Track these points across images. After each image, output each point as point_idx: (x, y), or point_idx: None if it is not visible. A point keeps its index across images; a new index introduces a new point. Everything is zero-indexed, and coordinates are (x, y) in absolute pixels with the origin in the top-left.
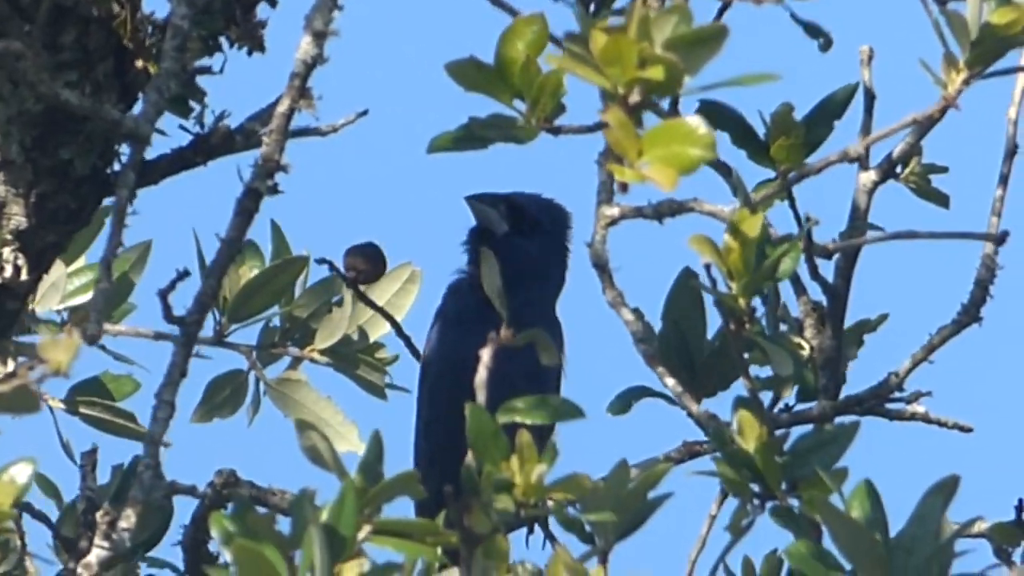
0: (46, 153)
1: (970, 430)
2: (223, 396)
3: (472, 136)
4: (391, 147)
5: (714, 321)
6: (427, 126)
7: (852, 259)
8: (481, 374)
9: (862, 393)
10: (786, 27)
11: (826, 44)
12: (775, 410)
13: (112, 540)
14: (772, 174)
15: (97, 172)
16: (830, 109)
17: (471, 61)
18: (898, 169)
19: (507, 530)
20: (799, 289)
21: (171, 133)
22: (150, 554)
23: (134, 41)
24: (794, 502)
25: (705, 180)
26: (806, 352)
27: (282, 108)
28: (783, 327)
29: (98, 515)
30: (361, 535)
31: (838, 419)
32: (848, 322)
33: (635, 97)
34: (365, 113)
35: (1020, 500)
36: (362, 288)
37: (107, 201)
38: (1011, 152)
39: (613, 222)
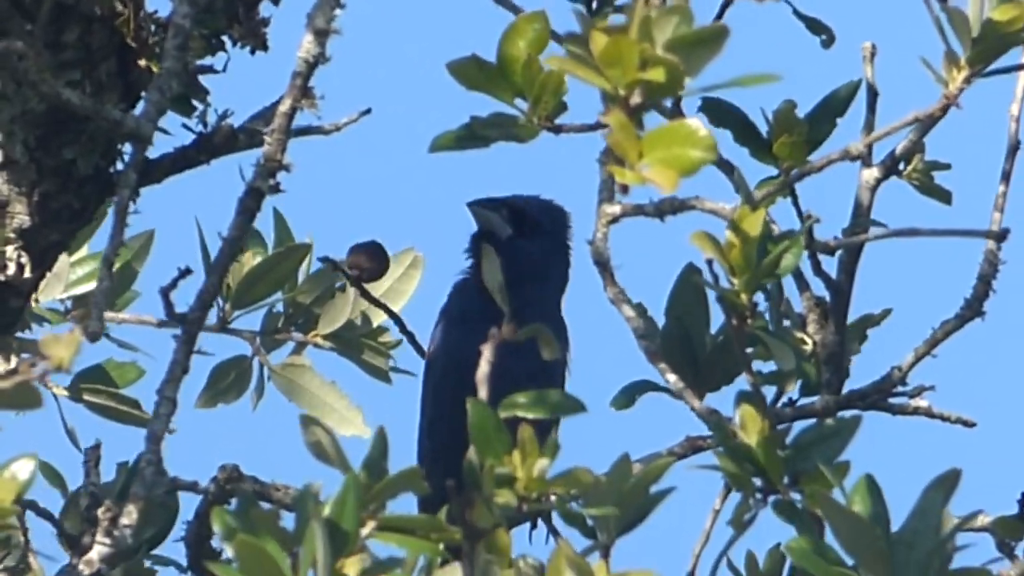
0: (49, 153)
1: (973, 424)
2: (227, 382)
3: (474, 135)
4: (393, 146)
5: (718, 317)
6: (429, 125)
7: (855, 255)
8: (483, 369)
9: (865, 388)
10: (788, 24)
11: (828, 41)
12: (779, 405)
13: (114, 536)
14: (775, 171)
15: (100, 172)
16: (833, 106)
17: (472, 60)
18: (901, 166)
19: (509, 525)
20: (802, 285)
21: (174, 132)
22: (156, 551)
23: (137, 40)
24: (796, 496)
25: (707, 178)
26: (809, 347)
27: (284, 107)
28: (786, 323)
29: (100, 511)
30: (364, 531)
31: (841, 414)
32: (851, 317)
33: (636, 99)
34: (368, 112)
35: (1023, 494)
36: (366, 285)
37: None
38: (1013, 149)
39: (614, 220)
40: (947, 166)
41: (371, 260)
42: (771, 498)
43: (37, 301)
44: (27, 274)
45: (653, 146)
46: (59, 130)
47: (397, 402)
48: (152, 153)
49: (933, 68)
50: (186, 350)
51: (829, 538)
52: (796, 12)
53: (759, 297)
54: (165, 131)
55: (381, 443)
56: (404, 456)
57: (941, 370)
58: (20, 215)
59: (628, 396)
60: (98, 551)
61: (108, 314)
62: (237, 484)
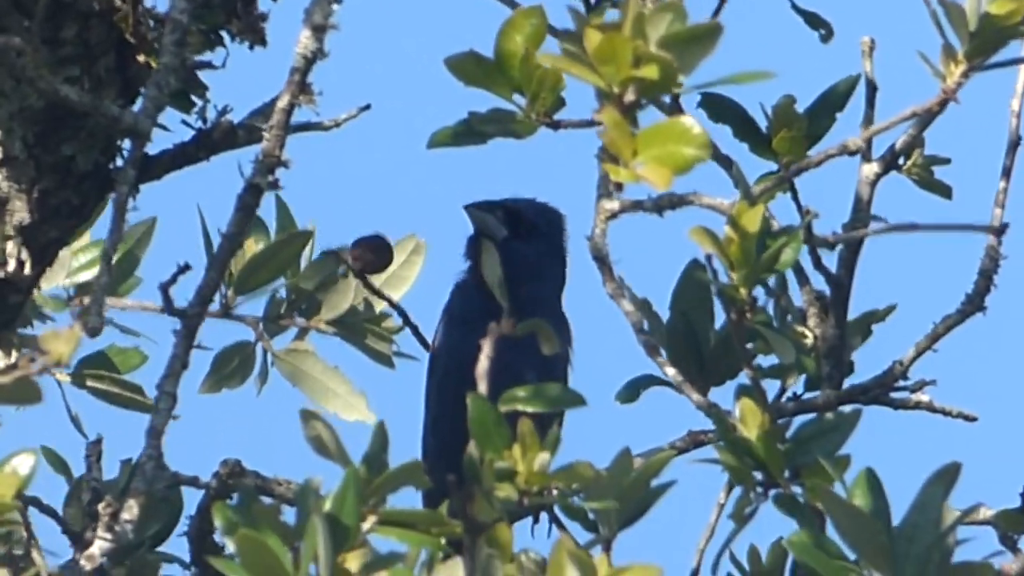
0: (48, 149)
1: (974, 419)
2: (231, 367)
3: (471, 131)
4: (391, 142)
5: (722, 312)
6: (427, 121)
7: (855, 250)
8: (482, 364)
9: (867, 382)
10: (787, 18)
11: (827, 35)
12: (781, 399)
13: (115, 532)
14: (774, 166)
15: (99, 168)
16: (832, 101)
17: (470, 55)
18: (901, 161)
19: (511, 519)
20: (802, 279)
21: (173, 128)
22: (160, 546)
23: (136, 35)
24: (797, 490)
25: (706, 173)
26: (810, 341)
27: (282, 103)
28: (787, 317)
29: (100, 507)
30: (365, 525)
31: (842, 408)
32: (852, 312)
33: (630, 96)
34: (367, 108)
35: None
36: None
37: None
38: (1014, 144)
39: (613, 215)
40: (947, 161)
41: (374, 253)
42: (772, 492)
43: (39, 288)
44: (27, 271)
45: (647, 144)
46: (58, 126)
47: (400, 387)
48: (152, 149)
49: (931, 62)
50: (186, 345)
51: (830, 532)
52: (795, 6)
53: (760, 292)
54: (164, 127)
55: (381, 437)
56: (408, 442)
57: (942, 365)
58: (20, 212)
59: (632, 390)
60: (99, 546)
61: (110, 300)
62: (239, 479)
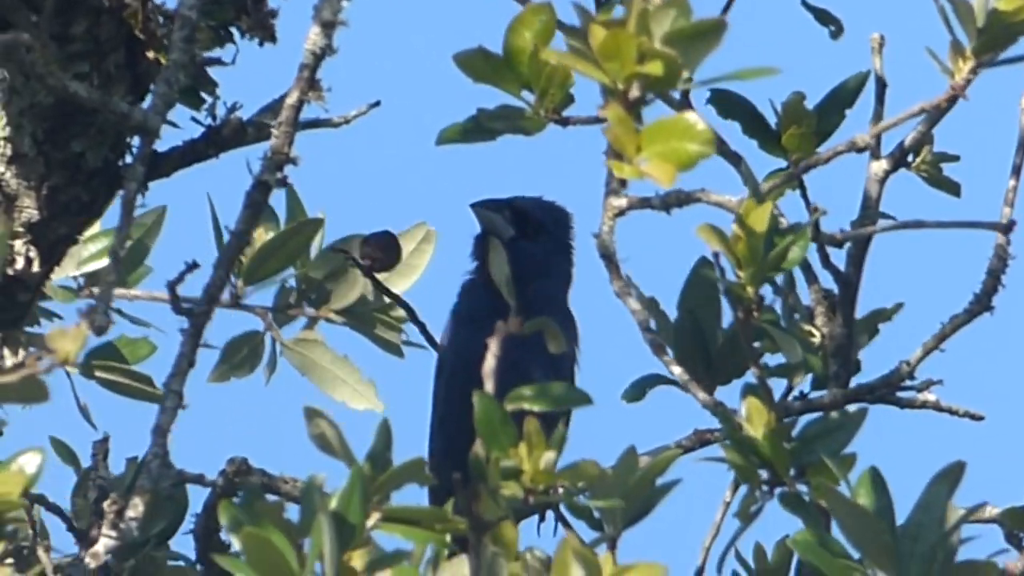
0: (58, 146)
1: (981, 418)
2: (240, 356)
3: (480, 127)
4: (399, 138)
5: (729, 310)
6: (436, 117)
7: (863, 247)
8: (489, 362)
9: (874, 381)
10: (797, 15)
11: (837, 32)
12: (789, 398)
13: (120, 529)
14: (783, 163)
15: (109, 165)
16: (841, 98)
17: (479, 52)
18: (910, 158)
19: (517, 518)
20: (810, 277)
21: (183, 125)
22: (165, 544)
23: (145, 32)
24: (803, 489)
25: (714, 170)
26: (817, 340)
27: (291, 100)
28: (795, 316)
29: (105, 504)
30: (370, 523)
31: (848, 407)
32: (860, 310)
33: (634, 92)
34: (377, 104)
35: None
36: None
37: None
38: (1023, 142)
39: (621, 213)
40: (956, 158)
41: (383, 250)
42: (777, 490)
43: (49, 279)
44: (35, 268)
45: (651, 140)
46: (67, 123)
47: (410, 376)
48: (161, 146)
49: (939, 59)
50: (192, 343)
51: (835, 531)
52: (804, 3)
53: (768, 290)
54: (174, 124)
55: (385, 434)
56: (416, 432)
57: (949, 364)
58: (29, 209)
59: (639, 389)
60: (104, 544)
61: (119, 291)
62: (245, 477)
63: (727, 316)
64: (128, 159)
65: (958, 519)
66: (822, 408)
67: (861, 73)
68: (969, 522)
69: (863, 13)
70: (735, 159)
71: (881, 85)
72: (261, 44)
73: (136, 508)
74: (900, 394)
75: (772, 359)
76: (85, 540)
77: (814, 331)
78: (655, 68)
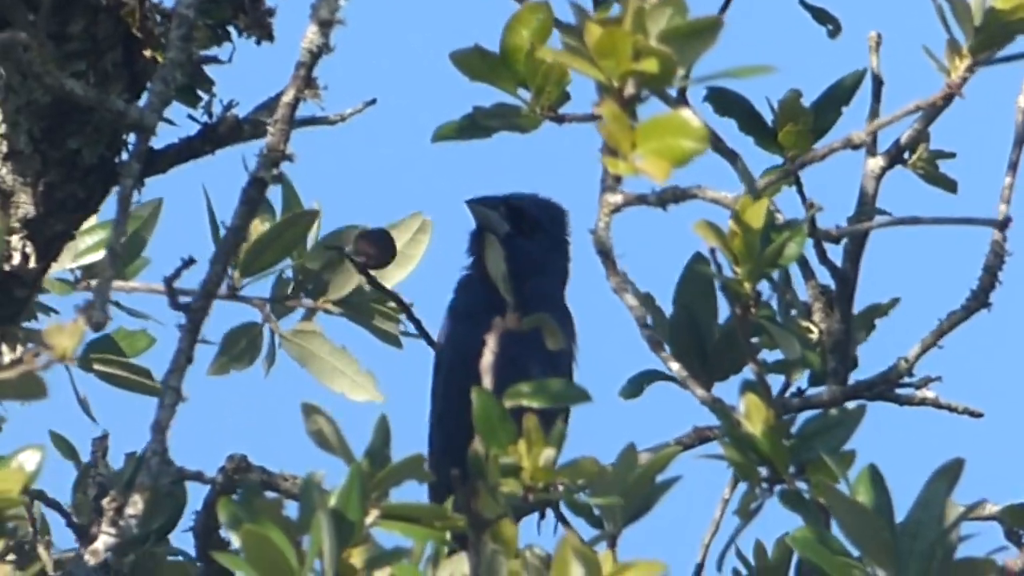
0: (54, 143)
1: (980, 415)
2: (239, 349)
3: (476, 125)
4: (395, 136)
5: (725, 306)
6: (432, 115)
7: (860, 244)
8: (487, 359)
9: (872, 378)
10: (795, 13)
11: (835, 30)
12: (786, 394)
13: (119, 527)
14: (780, 160)
15: (105, 162)
16: (838, 95)
17: (475, 50)
18: (906, 155)
19: (517, 515)
20: (807, 273)
21: (179, 123)
22: (164, 540)
23: (143, 30)
24: (802, 486)
25: (711, 167)
26: (815, 336)
27: (287, 98)
28: (792, 312)
29: (104, 502)
30: (369, 520)
31: (847, 404)
32: (857, 306)
33: (630, 89)
34: (373, 102)
35: None
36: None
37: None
38: (1020, 139)
39: (617, 209)
40: (952, 155)
41: (378, 248)
42: (777, 488)
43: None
44: (32, 264)
45: (646, 137)
46: (64, 120)
47: (408, 366)
48: (157, 144)
49: (935, 57)
50: (190, 339)
51: (835, 528)
52: (802, 2)
53: (764, 286)
54: (170, 122)
55: (383, 431)
56: (415, 423)
57: (948, 361)
58: (25, 205)
59: (636, 385)
60: (103, 541)
61: (117, 282)
62: (245, 474)
63: (723, 312)
64: (124, 156)
65: (957, 516)
66: (821, 405)
67: (858, 71)
68: (968, 519)
69: (860, 12)
70: (731, 156)
71: (878, 83)
72: (258, 43)
73: (136, 505)
74: (899, 391)
75: (770, 356)
76: (85, 536)
77: (812, 327)
78: (650, 66)
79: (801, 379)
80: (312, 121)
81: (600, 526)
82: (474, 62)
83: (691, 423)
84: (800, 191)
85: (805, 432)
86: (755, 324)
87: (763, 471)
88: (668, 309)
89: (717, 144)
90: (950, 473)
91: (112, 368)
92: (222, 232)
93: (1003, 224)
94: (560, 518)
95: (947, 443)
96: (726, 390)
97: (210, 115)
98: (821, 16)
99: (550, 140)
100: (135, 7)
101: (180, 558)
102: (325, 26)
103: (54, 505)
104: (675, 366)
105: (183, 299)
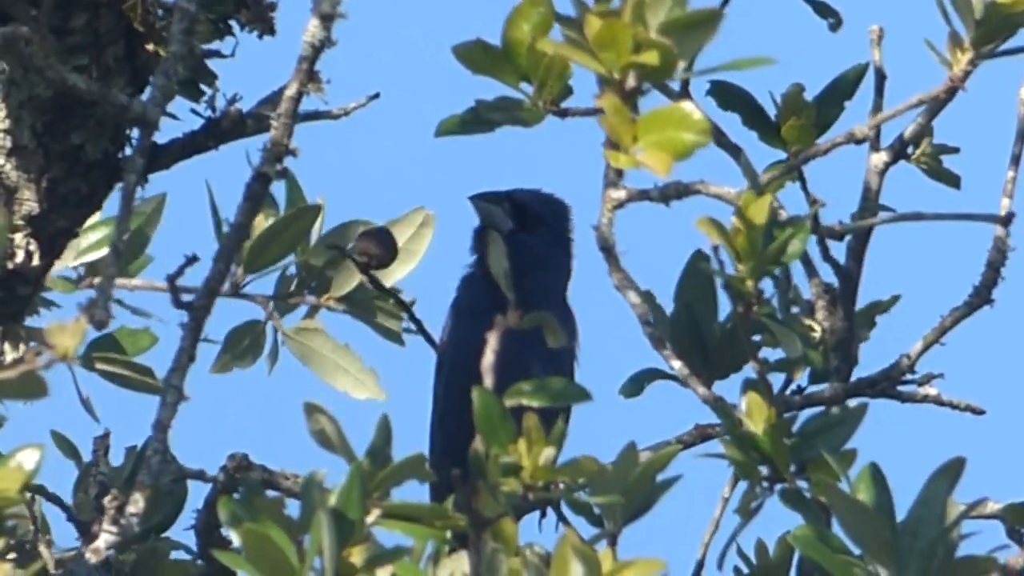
0: (57, 138)
1: (982, 412)
2: (242, 346)
3: (479, 119)
4: (398, 130)
5: (727, 304)
6: (435, 109)
7: (864, 240)
8: (488, 357)
9: (874, 375)
10: (796, 7)
11: (836, 24)
12: (788, 392)
13: (120, 525)
14: (783, 155)
15: (108, 157)
16: (840, 89)
17: (477, 43)
18: (909, 150)
19: (517, 514)
20: (811, 271)
21: (182, 117)
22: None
23: (144, 24)
24: (803, 484)
25: (714, 162)
26: (817, 334)
27: (290, 92)
28: (795, 309)
29: (106, 500)
30: (370, 519)
31: (849, 401)
32: (860, 304)
33: (630, 82)
34: (376, 96)
35: None
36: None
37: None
38: (1022, 133)
39: (619, 205)
40: (955, 150)
41: (380, 247)
42: (778, 486)
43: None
44: (35, 261)
45: (647, 130)
46: (66, 115)
47: (411, 364)
48: (161, 138)
49: (937, 50)
50: (192, 338)
51: (835, 526)
52: None
53: (767, 283)
54: (173, 116)
55: (385, 430)
56: (418, 421)
57: (950, 357)
58: (29, 201)
59: (637, 384)
60: (105, 539)
61: (120, 280)
62: (246, 473)
63: (725, 310)
64: (127, 151)
65: (958, 515)
66: (822, 402)
67: (860, 65)
68: (970, 518)
69: (862, 5)
70: (734, 151)
71: (880, 77)
72: (260, 37)
73: (137, 504)
74: (901, 388)
75: (772, 354)
76: (86, 532)
77: (815, 325)
78: (651, 58)
79: (803, 377)
80: (315, 115)
81: (600, 525)
82: (476, 56)
83: (692, 421)
84: (803, 186)
85: (806, 431)
86: (756, 322)
87: (764, 470)
88: (669, 307)
89: (720, 139)
90: (951, 471)
91: (114, 367)
92: (225, 229)
93: (1007, 220)
94: (561, 517)
95: (948, 441)
96: (727, 388)
97: (213, 109)
98: (822, 10)
99: (553, 135)
100: (137, 2)
101: (183, 552)
102: (327, 20)
103: (55, 500)
104: (676, 364)
105: (186, 297)
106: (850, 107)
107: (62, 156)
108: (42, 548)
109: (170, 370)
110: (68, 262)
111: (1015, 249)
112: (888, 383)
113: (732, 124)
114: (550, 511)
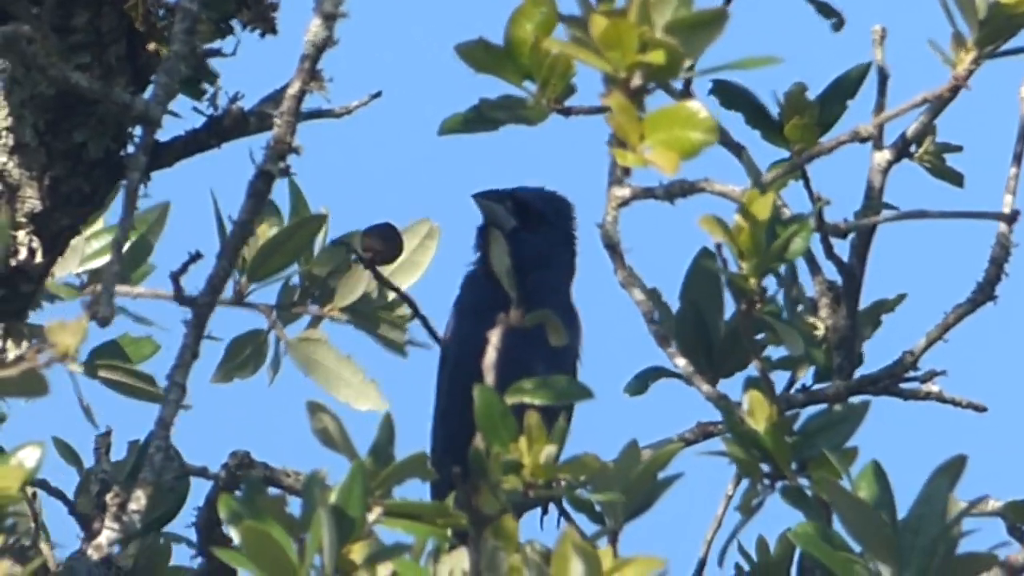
0: (59, 136)
1: (984, 409)
2: (243, 356)
3: (482, 118)
4: (401, 128)
5: (732, 302)
6: (438, 107)
7: (867, 238)
8: (490, 355)
9: (877, 373)
10: (799, 6)
11: (839, 24)
12: (791, 390)
13: (122, 522)
14: (786, 154)
15: (110, 155)
16: (843, 88)
17: (480, 42)
18: (912, 148)
19: (518, 511)
20: (814, 269)
21: (184, 115)
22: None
23: (146, 23)
24: (804, 482)
25: (718, 160)
26: (821, 332)
27: (292, 90)
28: (798, 307)
29: (108, 497)
30: (371, 517)
31: (852, 399)
32: (863, 302)
33: (636, 81)
34: (379, 95)
35: None
36: (379, 267)
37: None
38: None
39: (624, 203)
40: (958, 148)
41: (384, 243)
42: (779, 484)
43: (52, 276)
44: (38, 259)
45: (654, 128)
46: (69, 113)
47: (413, 375)
48: (163, 136)
49: (941, 49)
50: (196, 335)
51: (837, 524)
52: None
53: (771, 281)
54: (175, 114)
55: (387, 429)
56: (418, 431)
57: (953, 355)
58: (31, 199)
59: (641, 382)
60: (107, 536)
61: (123, 288)
62: (247, 470)
63: (730, 308)
64: (130, 149)
65: (959, 512)
66: (825, 400)
67: (863, 64)
68: (970, 515)
69: (864, 5)
70: (737, 149)
71: (883, 76)
72: (262, 36)
73: (139, 501)
74: (903, 385)
75: (775, 352)
76: (88, 527)
77: (818, 323)
78: (657, 57)
79: (806, 375)
80: (318, 114)
81: (602, 522)
82: (479, 54)
83: (692, 419)
84: (807, 185)
85: (808, 429)
86: (760, 320)
87: (765, 467)
88: (675, 305)
89: (723, 137)
90: (952, 469)
91: (117, 374)
92: (228, 228)
93: (1010, 218)
94: (563, 513)
95: (950, 439)
96: (732, 386)
97: (215, 107)
98: (825, 10)
99: (556, 133)
100: (138, 1)
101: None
102: (329, 19)
103: (56, 493)
104: (681, 362)
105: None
106: (852, 106)
107: (64, 154)
108: (42, 545)
109: (173, 367)
110: (72, 269)
111: (1018, 245)
112: (891, 380)
113: (735, 123)
114: (551, 508)
